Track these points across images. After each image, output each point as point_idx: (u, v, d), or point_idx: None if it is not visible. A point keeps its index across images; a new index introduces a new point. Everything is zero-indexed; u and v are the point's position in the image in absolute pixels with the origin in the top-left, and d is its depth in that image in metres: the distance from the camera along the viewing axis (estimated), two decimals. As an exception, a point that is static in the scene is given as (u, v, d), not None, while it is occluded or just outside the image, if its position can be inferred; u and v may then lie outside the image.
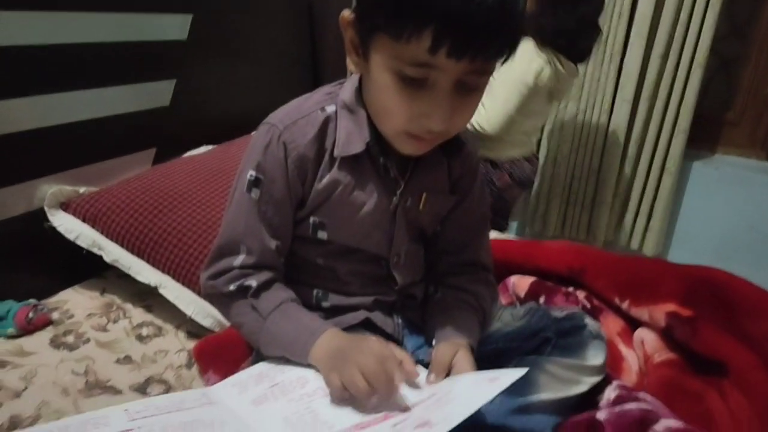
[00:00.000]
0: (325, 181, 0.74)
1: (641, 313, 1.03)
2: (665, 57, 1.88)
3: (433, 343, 0.79)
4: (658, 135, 1.96)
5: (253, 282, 0.74)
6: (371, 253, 0.80)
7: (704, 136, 2.04)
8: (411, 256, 0.84)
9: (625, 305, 1.05)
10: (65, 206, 1.22)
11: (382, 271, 0.82)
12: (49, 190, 1.20)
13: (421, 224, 0.83)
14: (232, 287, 0.74)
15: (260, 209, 0.74)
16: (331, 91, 0.78)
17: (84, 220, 1.20)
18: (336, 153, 0.73)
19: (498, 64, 0.65)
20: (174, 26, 1.47)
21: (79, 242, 1.18)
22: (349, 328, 0.77)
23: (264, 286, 0.75)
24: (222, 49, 1.64)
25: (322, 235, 0.77)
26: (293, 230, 0.78)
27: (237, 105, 1.72)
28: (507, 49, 0.63)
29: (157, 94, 1.45)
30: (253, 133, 0.78)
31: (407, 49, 0.60)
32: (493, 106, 1.61)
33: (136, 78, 1.39)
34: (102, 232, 1.19)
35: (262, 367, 0.75)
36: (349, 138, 0.73)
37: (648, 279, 1.05)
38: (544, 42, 1.58)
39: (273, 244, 0.75)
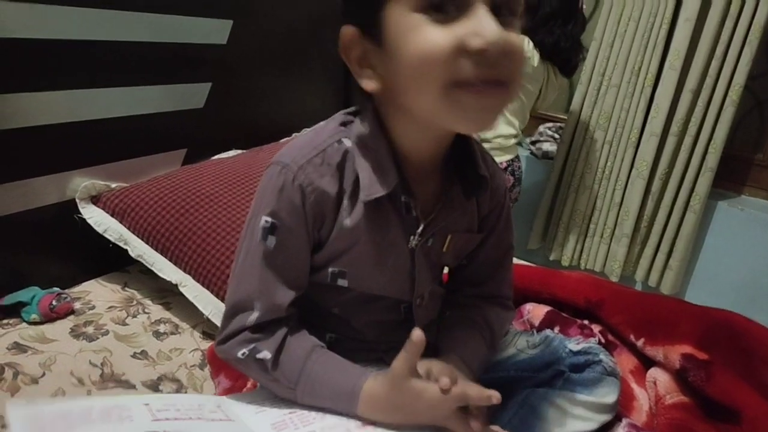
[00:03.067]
0: (345, 227, 0.67)
1: (656, 352, 1.02)
2: (697, 92, 1.87)
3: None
4: (684, 171, 1.94)
5: (266, 353, 0.66)
6: (392, 299, 0.75)
7: (732, 176, 2.02)
8: (434, 297, 0.80)
9: (640, 343, 1.04)
10: (96, 199, 1.25)
11: (400, 317, 0.77)
12: (82, 182, 1.24)
13: (443, 262, 0.80)
14: (241, 354, 0.67)
15: (276, 260, 0.67)
16: (345, 120, 0.70)
17: (113, 215, 1.23)
18: (362, 197, 0.66)
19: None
20: (215, 30, 1.50)
21: (107, 235, 1.21)
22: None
23: (278, 352, 0.67)
24: (258, 56, 1.67)
25: (343, 282, 0.71)
26: (310, 276, 0.71)
27: (269, 112, 1.75)
28: None
29: (192, 95, 1.49)
30: (264, 172, 0.69)
31: None
32: None
33: (173, 78, 1.42)
34: (129, 227, 1.22)
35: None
36: (372, 179, 0.65)
37: (665, 318, 1.04)
38: (542, 57, 1.77)
39: (289, 297, 0.68)
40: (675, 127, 1.92)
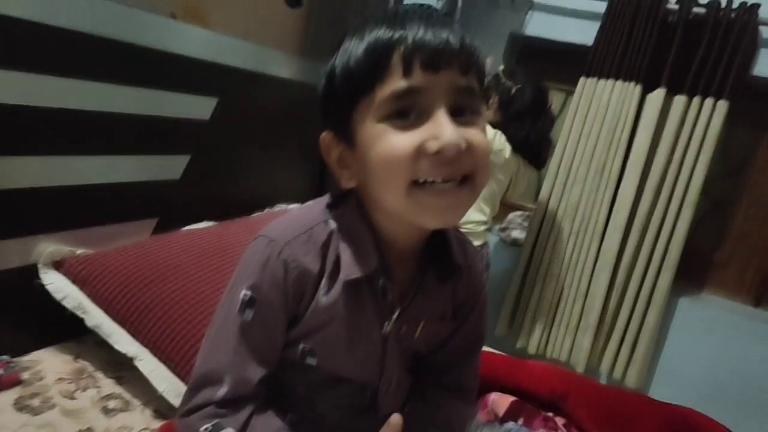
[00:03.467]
0: (321, 305, 0.68)
1: (619, 449, 1.01)
2: (658, 191, 1.97)
3: None
4: (647, 266, 2.01)
5: (230, 429, 0.66)
6: (359, 383, 0.75)
7: (692, 274, 2.09)
8: (400, 384, 0.80)
9: (603, 438, 1.03)
10: (58, 265, 1.22)
11: (365, 403, 0.76)
12: (47, 248, 1.21)
13: (415, 349, 0.79)
14: (203, 429, 0.66)
15: (250, 334, 0.67)
16: (332, 203, 0.73)
17: (74, 281, 1.20)
18: (341, 277, 0.68)
19: (481, 103, 0.65)
20: (199, 107, 1.54)
21: (65, 303, 1.17)
22: None
23: (242, 430, 0.67)
24: (239, 134, 1.71)
25: (312, 361, 0.71)
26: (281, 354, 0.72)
27: (244, 186, 1.77)
28: (476, 70, 0.63)
29: (169, 167, 1.50)
30: (249, 245, 0.71)
31: (385, 90, 0.60)
32: None
33: (153, 150, 1.44)
34: (89, 295, 1.19)
35: None
36: (353, 260, 0.68)
37: (628, 414, 1.05)
38: (513, 149, 1.84)
39: (259, 374, 0.68)
40: (638, 222, 2.00)
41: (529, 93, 1.78)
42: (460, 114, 0.61)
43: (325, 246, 0.68)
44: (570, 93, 2.21)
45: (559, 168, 2.15)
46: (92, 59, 1.24)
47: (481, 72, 0.64)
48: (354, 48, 0.61)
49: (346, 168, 0.68)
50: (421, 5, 0.64)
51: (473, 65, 0.62)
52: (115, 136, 1.33)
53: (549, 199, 2.17)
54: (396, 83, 0.59)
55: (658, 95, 1.96)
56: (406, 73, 0.59)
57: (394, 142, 0.60)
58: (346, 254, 0.68)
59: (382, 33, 0.60)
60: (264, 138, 1.83)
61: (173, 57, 1.43)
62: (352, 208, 0.70)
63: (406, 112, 0.60)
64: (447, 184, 0.60)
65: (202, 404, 0.67)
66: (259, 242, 0.68)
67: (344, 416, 0.76)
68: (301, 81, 1.95)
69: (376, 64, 0.60)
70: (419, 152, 0.59)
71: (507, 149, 1.84)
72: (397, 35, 0.59)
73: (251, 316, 0.67)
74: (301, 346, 0.71)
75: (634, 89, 1.99)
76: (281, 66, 1.86)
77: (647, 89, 1.99)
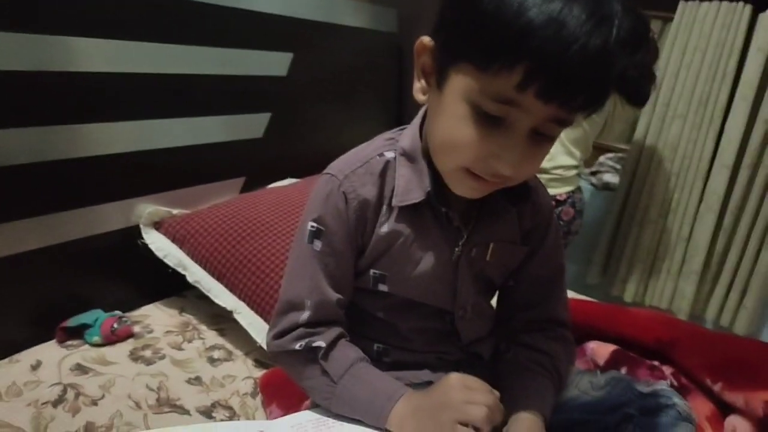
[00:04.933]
0: (384, 231, 0.71)
1: (736, 398, 0.94)
2: (772, 123, 1.78)
3: (505, 408, 0.75)
4: (758, 206, 1.83)
5: (321, 342, 0.71)
6: (434, 308, 0.76)
7: (811, 211, 1.90)
8: (478, 310, 0.80)
9: (717, 387, 0.96)
10: (158, 225, 1.29)
11: (446, 327, 0.78)
12: (146, 209, 1.27)
13: (488, 275, 0.79)
14: (298, 346, 0.72)
15: (322, 262, 0.71)
16: (392, 137, 0.75)
17: (173, 241, 1.26)
18: (394, 202, 0.70)
19: (580, 117, 0.60)
20: (276, 63, 1.55)
21: (167, 261, 1.24)
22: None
23: (332, 346, 0.72)
24: (316, 88, 1.71)
25: (383, 287, 0.74)
26: (354, 281, 0.75)
27: (325, 141, 1.77)
28: (595, 104, 0.58)
29: (252, 125, 1.53)
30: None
31: (493, 83, 0.55)
32: None
33: (235, 109, 1.47)
34: (188, 253, 1.25)
35: (313, 414, 0.73)
36: (408, 186, 0.70)
37: (747, 361, 0.97)
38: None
39: (335, 297, 0.72)
40: (748, 159, 1.82)
41: (625, 22, 1.64)
42: (537, 134, 0.59)
43: (383, 174, 0.71)
44: (668, 20, 2.01)
45: (656, 104, 1.98)
46: (170, 22, 1.27)
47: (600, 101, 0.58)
48: (507, 3, 0.51)
49: (425, 79, 0.66)
50: None
51: (593, 105, 0.57)
52: (198, 98, 1.36)
53: (645, 138, 2.02)
54: (505, 86, 0.54)
55: (772, 14, 1.75)
56: (520, 87, 0.53)
57: (466, 136, 0.59)
58: (401, 181, 0.70)
59: (541, 15, 0.50)
60: (341, 90, 1.82)
61: (247, 14, 1.44)
62: (413, 134, 0.72)
63: (494, 116, 0.57)
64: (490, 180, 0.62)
65: (290, 327, 0.73)
66: (322, 179, 0.72)
67: (429, 340, 0.78)
68: (374, 29, 1.91)
69: (506, 47, 0.52)
70: (482, 159, 0.60)
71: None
72: (541, 37, 0.50)
73: (320, 246, 0.71)
74: (371, 272, 0.74)
75: (743, 10, 1.78)
76: (353, 15, 1.82)
77: (759, 8, 1.77)
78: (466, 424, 0.62)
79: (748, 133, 1.82)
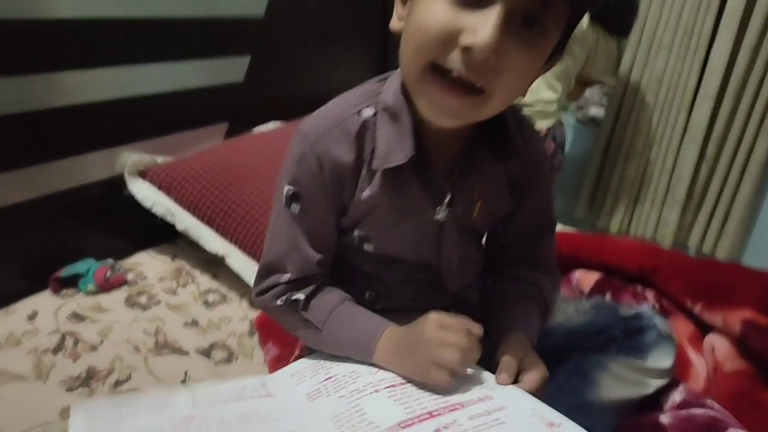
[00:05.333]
0: (365, 194, 0.69)
1: (714, 318, 0.98)
2: (756, 50, 1.77)
3: (492, 338, 0.77)
4: (741, 135, 1.85)
5: (300, 295, 0.71)
6: (420, 263, 0.76)
7: (792, 139, 1.92)
8: (464, 261, 0.79)
9: (697, 309, 1.00)
10: (143, 174, 1.28)
11: (433, 277, 0.78)
12: (130, 158, 1.26)
13: (475, 228, 0.79)
14: (279, 302, 0.72)
15: (302, 223, 0.70)
16: (372, 89, 0.70)
17: (159, 189, 1.26)
18: (375, 165, 0.67)
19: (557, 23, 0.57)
20: (252, 3, 1.50)
21: (154, 210, 1.23)
22: None
23: (312, 295, 0.72)
24: (296, 28, 1.66)
25: (368, 247, 0.74)
26: (339, 238, 0.74)
27: (307, 83, 1.74)
28: None
29: (231, 69, 1.49)
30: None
31: None
32: None
33: (212, 53, 1.43)
34: (175, 201, 1.25)
35: (318, 356, 0.75)
36: (390, 148, 0.66)
37: (724, 283, 1.00)
38: (592, 19, 1.68)
39: (317, 258, 0.71)
40: (731, 89, 1.83)
41: None
42: (526, 24, 0.54)
43: (360, 136, 0.67)
44: (653, -54, 1.97)
45: (641, 35, 1.95)
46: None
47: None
48: None
49: (403, 5, 0.62)
50: None
51: None
52: (174, 42, 1.33)
53: (631, 70, 2.01)
54: None
55: (758, -63, 1.71)
56: None
57: (437, 14, 0.54)
58: (382, 142, 0.66)
59: None
60: (322, 31, 1.77)
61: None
62: (395, 86, 0.67)
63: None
64: (458, 85, 0.56)
65: (271, 285, 0.73)
66: (294, 138, 0.69)
67: (418, 290, 0.78)
68: (355, -35, 1.84)
69: None
70: (452, 37, 0.54)
71: (584, 20, 1.68)
72: None
73: (298, 209, 0.69)
74: (355, 233, 0.73)
75: (729, -67, 1.74)
76: (333, -50, 1.75)
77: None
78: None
79: (732, 63, 1.81)
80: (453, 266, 0.77)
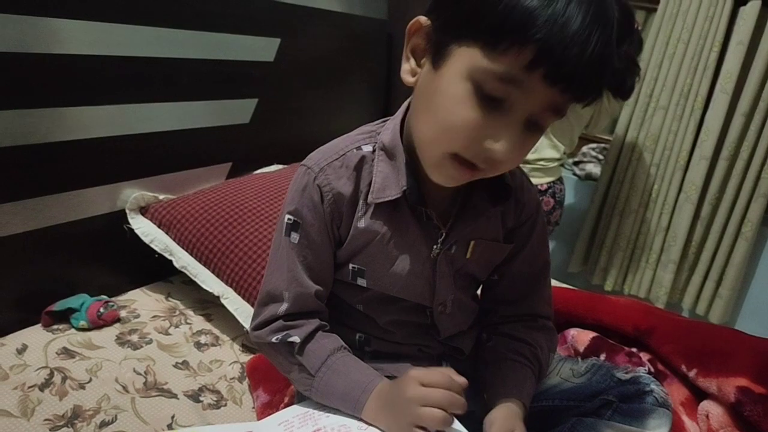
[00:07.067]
0: (361, 226, 0.71)
1: (709, 384, 0.97)
2: (750, 116, 1.82)
3: (485, 397, 0.76)
4: (735, 197, 1.88)
5: (296, 338, 0.71)
6: (414, 302, 0.77)
7: (786, 203, 1.95)
8: (458, 306, 0.80)
9: (692, 374, 1.00)
10: (144, 210, 1.28)
11: (426, 320, 0.78)
12: (132, 194, 1.27)
13: (470, 272, 0.79)
14: (275, 339, 0.72)
15: (300, 254, 0.72)
16: (372, 130, 0.74)
17: (159, 226, 1.26)
18: (370, 199, 0.70)
19: (570, 109, 0.61)
20: (262, 48, 1.54)
21: (153, 246, 1.24)
22: None
23: (308, 340, 0.72)
24: (304, 73, 1.70)
25: (362, 282, 0.75)
26: (335, 273, 0.76)
27: (312, 127, 1.77)
28: (595, 92, 0.59)
29: (238, 111, 1.52)
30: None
31: (500, 61, 0.54)
32: None
33: (221, 94, 1.46)
34: (174, 239, 1.25)
35: (308, 405, 0.75)
36: (385, 183, 0.69)
37: (720, 349, 1.00)
38: None
39: (314, 289, 0.73)
40: (726, 151, 1.87)
41: (619, 15, 1.65)
42: (530, 124, 0.59)
43: (358, 169, 0.70)
44: (651, 11, 2.04)
45: (639, 95, 2.01)
46: (156, 6, 1.25)
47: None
48: None
49: (416, 61, 0.64)
50: None
51: (594, 93, 0.58)
52: (184, 82, 1.35)
53: (627, 128, 2.05)
54: (513, 65, 0.54)
55: (752, 8, 1.77)
56: (529, 67, 0.53)
57: (466, 116, 0.57)
58: (378, 177, 0.70)
59: (541, 4, 0.51)
60: (328, 76, 1.82)
61: (235, -2, 1.42)
62: (394, 127, 0.70)
63: (495, 97, 0.56)
64: (471, 164, 0.61)
65: (269, 319, 0.73)
66: (298, 171, 0.72)
67: (409, 333, 0.79)
68: (363, 15, 1.90)
69: (518, 29, 0.52)
70: (478, 140, 0.58)
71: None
72: (550, 24, 0.51)
73: (297, 238, 0.71)
74: (350, 266, 0.74)
75: (724, 2, 1.81)
76: (341, 0, 1.81)
77: (740, 2, 1.80)
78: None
79: (727, 126, 1.86)
80: (446, 309, 0.78)
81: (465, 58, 0.57)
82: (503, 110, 0.57)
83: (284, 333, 0.72)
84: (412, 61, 0.65)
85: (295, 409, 0.75)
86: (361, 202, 0.71)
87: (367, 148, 0.71)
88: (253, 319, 0.77)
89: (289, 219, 0.71)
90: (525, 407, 0.72)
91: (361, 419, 0.69)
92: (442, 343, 0.80)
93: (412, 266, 0.73)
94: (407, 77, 0.65)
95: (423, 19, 0.62)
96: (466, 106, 0.57)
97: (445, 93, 0.59)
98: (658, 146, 2.00)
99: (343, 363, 0.72)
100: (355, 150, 0.71)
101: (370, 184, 0.70)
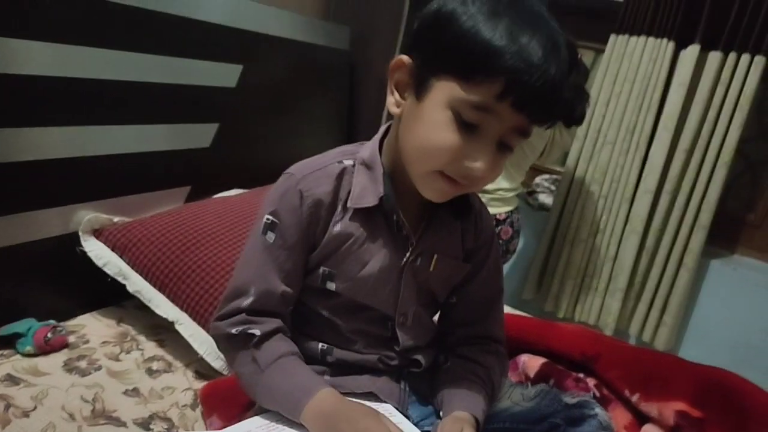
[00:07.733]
0: (337, 229, 0.76)
1: (650, 408, 1.02)
2: (690, 152, 1.92)
3: (440, 414, 0.79)
4: (677, 229, 1.97)
5: (257, 331, 0.74)
6: (377, 311, 0.81)
7: (724, 235, 2.05)
8: (418, 319, 0.84)
9: (635, 398, 1.04)
10: (98, 233, 1.26)
11: (387, 333, 0.83)
12: (86, 216, 1.25)
13: (431, 287, 0.84)
14: (235, 330, 0.75)
15: (273, 253, 0.76)
16: (352, 150, 0.80)
17: (113, 249, 1.24)
18: (349, 204, 0.75)
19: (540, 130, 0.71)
20: (224, 74, 1.55)
21: (106, 269, 1.21)
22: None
23: (267, 336, 0.75)
24: (266, 100, 1.72)
25: (331, 286, 0.79)
26: (304, 279, 0.79)
27: (272, 153, 1.78)
28: (555, 115, 0.69)
29: (199, 135, 1.52)
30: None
31: (475, 92, 0.63)
32: None
33: (182, 118, 1.46)
34: (129, 262, 1.23)
35: (262, 419, 0.75)
36: (364, 191, 0.75)
37: (661, 374, 1.05)
38: None
39: (281, 289, 0.76)
40: (668, 185, 1.96)
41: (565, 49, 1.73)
42: (501, 145, 0.68)
43: (339, 179, 0.76)
44: (600, 52, 2.15)
45: (588, 130, 2.10)
46: (118, 29, 1.25)
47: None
48: (484, 27, 0.62)
49: (399, 94, 0.72)
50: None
51: (553, 117, 0.69)
52: (145, 106, 1.35)
53: (578, 161, 2.14)
54: (486, 96, 0.63)
55: (691, 52, 1.89)
56: (500, 97, 0.63)
57: (447, 140, 0.66)
58: (357, 186, 0.76)
59: (508, 42, 0.61)
60: (290, 104, 1.84)
61: (198, 24, 1.44)
62: (374, 143, 0.78)
63: (472, 123, 0.65)
64: (453, 179, 0.69)
65: (232, 311, 0.77)
66: (281, 177, 0.78)
67: (370, 343, 0.82)
68: (325, 45, 1.94)
69: (490, 65, 0.61)
70: (458, 159, 0.67)
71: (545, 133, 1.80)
72: (515, 59, 0.60)
73: (273, 238, 0.76)
74: (321, 269, 0.78)
75: (666, 46, 1.92)
76: (305, 30, 1.84)
77: (680, 46, 1.92)
78: None
79: (669, 161, 1.96)
80: (407, 321, 0.82)
81: (445, 90, 0.66)
82: (478, 134, 0.66)
83: (245, 326, 0.75)
84: (396, 95, 0.73)
85: (257, 420, 0.75)
86: (339, 207, 0.76)
87: (348, 162, 0.78)
88: (216, 312, 0.79)
89: (267, 219, 0.76)
90: (477, 422, 0.76)
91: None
92: (400, 354, 0.84)
93: (380, 272, 0.78)
94: (393, 108, 0.74)
95: (405, 57, 0.70)
96: (447, 131, 0.66)
97: (429, 120, 0.67)
98: (606, 179, 2.09)
99: (293, 365, 0.75)
100: (336, 163, 0.77)
101: (349, 192, 0.76)
